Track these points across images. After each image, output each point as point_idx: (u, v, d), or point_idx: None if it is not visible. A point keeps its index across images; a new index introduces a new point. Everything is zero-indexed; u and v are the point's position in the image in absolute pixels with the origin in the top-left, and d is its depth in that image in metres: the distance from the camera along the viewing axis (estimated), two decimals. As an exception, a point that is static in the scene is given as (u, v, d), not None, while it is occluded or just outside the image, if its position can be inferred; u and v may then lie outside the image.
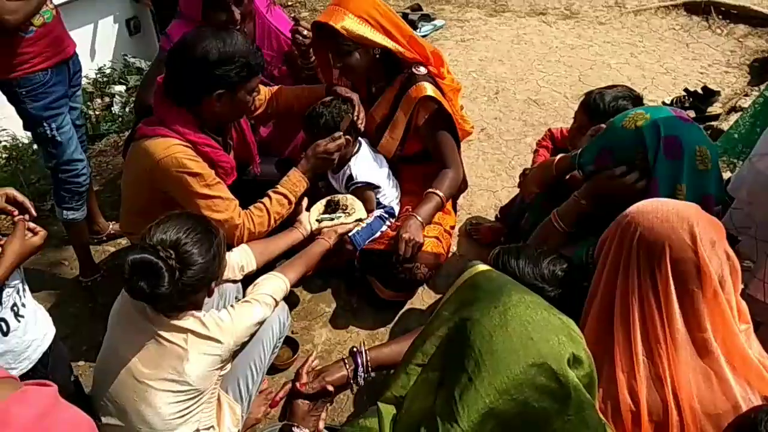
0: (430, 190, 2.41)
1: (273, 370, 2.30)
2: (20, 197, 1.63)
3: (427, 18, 4.85)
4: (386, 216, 2.56)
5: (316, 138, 2.26)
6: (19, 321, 1.60)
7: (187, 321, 1.61)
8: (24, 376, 1.61)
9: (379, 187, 2.51)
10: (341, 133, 2.24)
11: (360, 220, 2.32)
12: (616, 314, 1.39)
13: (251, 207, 2.07)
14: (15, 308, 1.60)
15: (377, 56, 2.37)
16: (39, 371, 1.66)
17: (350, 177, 2.47)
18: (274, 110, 2.46)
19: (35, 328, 1.65)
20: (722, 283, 1.35)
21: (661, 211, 1.38)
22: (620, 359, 1.36)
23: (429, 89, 2.37)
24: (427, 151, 2.55)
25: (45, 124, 2.45)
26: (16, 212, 1.60)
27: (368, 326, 2.51)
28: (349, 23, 2.23)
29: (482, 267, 1.27)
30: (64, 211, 2.58)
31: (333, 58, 2.37)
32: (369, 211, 2.45)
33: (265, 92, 2.43)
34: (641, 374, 1.33)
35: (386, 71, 2.46)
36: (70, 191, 2.58)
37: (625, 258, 1.39)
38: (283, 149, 2.76)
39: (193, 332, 1.59)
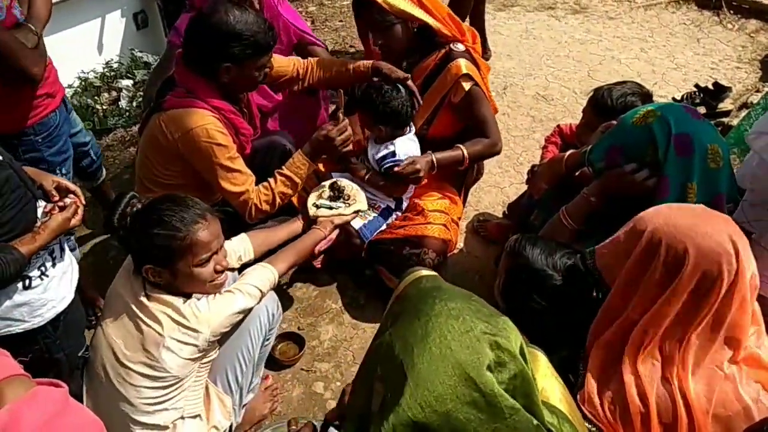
0: (458, 144, 2.43)
1: (279, 366, 2.30)
2: (72, 186, 1.77)
3: (435, 12, 4.82)
4: (393, 208, 2.56)
5: (371, 120, 2.37)
6: (42, 279, 1.68)
7: (166, 308, 1.61)
8: (32, 334, 1.68)
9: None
10: (347, 122, 2.17)
11: (359, 211, 2.27)
12: (628, 316, 1.37)
13: (260, 185, 2.12)
14: (43, 268, 1.68)
15: (415, 31, 2.37)
16: (48, 332, 1.72)
17: (392, 153, 2.42)
18: (308, 81, 2.45)
19: (57, 290, 1.72)
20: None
21: (688, 221, 1.31)
22: (629, 361, 1.35)
23: (464, 66, 2.36)
24: (448, 138, 2.53)
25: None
26: (57, 197, 1.72)
27: (375, 322, 2.49)
28: None
29: (417, 274, 1.21)
30: None
31: (373, 35, 2.38)
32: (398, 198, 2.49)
33: (298, 63, 2.43)
34: (650, 376, 1.32)
35: (420, 47, 2.45)
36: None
37: (644, 266, 1.34)
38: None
39: (170, 318, 1.59)
